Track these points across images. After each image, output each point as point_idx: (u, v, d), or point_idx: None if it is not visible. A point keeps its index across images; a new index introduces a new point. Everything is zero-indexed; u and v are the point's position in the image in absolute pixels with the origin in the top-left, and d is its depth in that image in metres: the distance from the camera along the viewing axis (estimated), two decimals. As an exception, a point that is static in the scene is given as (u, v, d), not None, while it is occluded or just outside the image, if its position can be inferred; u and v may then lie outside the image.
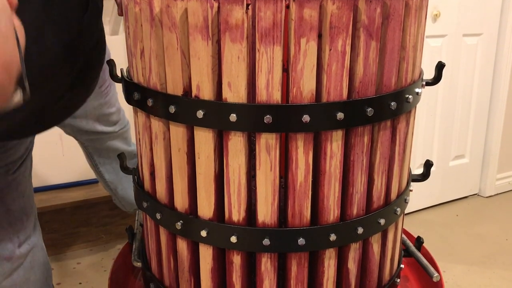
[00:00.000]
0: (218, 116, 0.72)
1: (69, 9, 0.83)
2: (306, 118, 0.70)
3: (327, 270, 0.81)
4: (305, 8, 0.66)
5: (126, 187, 1.61)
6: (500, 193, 2.50)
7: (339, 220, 0.79)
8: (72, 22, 0.84)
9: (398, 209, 0.87)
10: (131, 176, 0.98)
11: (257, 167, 0.74)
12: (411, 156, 0.95)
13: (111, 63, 0.94)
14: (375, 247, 0.86)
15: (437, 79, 0.89)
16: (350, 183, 0.78)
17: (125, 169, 1.02)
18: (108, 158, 1.53)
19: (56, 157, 1.95)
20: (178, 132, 0.77)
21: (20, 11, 0.55)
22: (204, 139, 0.75)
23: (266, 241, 0.76)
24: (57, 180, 1.97)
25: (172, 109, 0.74)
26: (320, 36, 0.69)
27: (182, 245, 0.85)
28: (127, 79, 0.86)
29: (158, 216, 0.85)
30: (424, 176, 0.97)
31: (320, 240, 0.78)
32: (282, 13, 0.66)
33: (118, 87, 1.07)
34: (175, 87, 0.75)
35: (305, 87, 0.70)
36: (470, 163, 2.40)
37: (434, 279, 0.94)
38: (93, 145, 1.49)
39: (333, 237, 0.77)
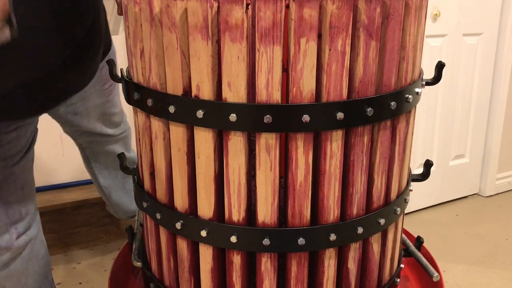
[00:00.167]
0: (218, 116, 0.72)
1: None
2: (306, 118, 0.70)
3: (327, 270, 0.81)
4: (305, 8, 0.66)
5: (120, 194, 1.57)
6: (500, 193, 2.50)
7: (339, 220, 0.79)
8: None
9: (398, 209, 0.87)
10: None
11: (257, 167, 0.74)
12: (411, 156, 0.95)
13: (111, 63, 0.94)
14: (375, 247, 0.86)
15: (437, 79, 0.89)
16: (350, 183, 0.78)
17: (125, 169, 1.02)
18: (106, 163, 1.50)
19: (56, 157, 1.95)
20: (178, 132, 0.77)
21: None
22: (204, 139, 0.75)
23: (266, 241, 0.76)
24: (57, 180, 1.97)
25: (172, 109, 0.74)
26: (320, 36, 0.69)
27: (182, 245, 0.85)
28: (127, 79, 0.86)
29: (158, 216, 0.85)
30: (424, 176, 0.97)
31: (320, 240, 0.78)
32: (282, 13, 0.66)
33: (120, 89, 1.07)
34: (175, 87, 0.75)
35: (305, 87, 0.70)
36: (470, 163, 2.40)
37: (434, 279, 0.94)
38: (91, 148, 1.47)
39: (333, 237, 0.77)
